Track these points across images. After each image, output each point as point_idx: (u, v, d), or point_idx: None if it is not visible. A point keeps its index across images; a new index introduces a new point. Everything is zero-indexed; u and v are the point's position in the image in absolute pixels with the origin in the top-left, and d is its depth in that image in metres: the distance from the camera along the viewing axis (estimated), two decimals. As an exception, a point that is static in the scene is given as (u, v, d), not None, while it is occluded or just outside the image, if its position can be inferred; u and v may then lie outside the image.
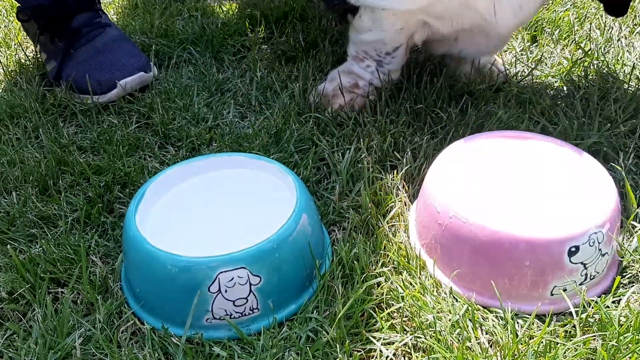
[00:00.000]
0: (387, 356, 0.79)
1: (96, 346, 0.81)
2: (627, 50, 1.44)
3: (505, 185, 0.98)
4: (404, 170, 1.08)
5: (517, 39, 1.55)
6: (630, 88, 1.29)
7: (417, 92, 1.29)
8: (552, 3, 1.68)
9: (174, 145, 1.24)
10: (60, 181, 1.13)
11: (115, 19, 1.78)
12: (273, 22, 1.68)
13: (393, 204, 1.04)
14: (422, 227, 0.97)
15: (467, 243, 0.87)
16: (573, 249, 0.83)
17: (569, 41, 1.52)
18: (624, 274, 0.90)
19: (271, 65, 1.50)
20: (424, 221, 0.96)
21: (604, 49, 1.46)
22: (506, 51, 1.49)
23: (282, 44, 1.58)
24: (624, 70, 1.36)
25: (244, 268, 0.81)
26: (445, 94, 1.28)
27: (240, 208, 0.95)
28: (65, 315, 0.83)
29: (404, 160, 1.11)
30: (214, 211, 0.95)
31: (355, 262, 0.89)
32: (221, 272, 0.81)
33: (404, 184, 1.08)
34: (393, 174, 1.10)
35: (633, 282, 0.89)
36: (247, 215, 0.94)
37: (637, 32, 1.54)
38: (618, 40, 1.49)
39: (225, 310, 0.83)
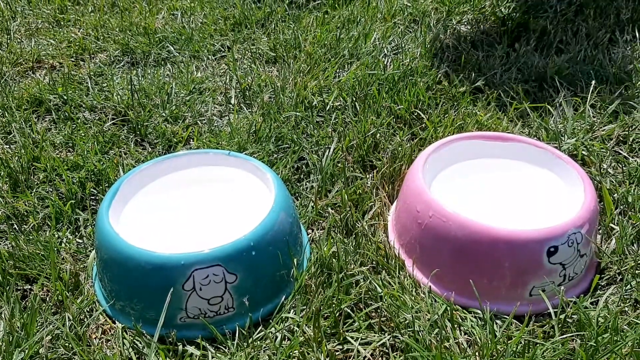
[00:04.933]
0: (365, 356, 0.78)
1: (65, 345, 0.78)
2: (607, 57, 1.45)
3: (485, 186, 0.98)
4: (383, 170, 1.07)
5: (497, 43, 1.56)
6: (608, 93, 1.30)
7: (398, 93, 1.29)
8: (531, 10, 1.70)
9: (151, 143, 1.22)
10: (32, 177, 1.10)
11: (92, 16, 1.75)
12: (254, 23, 1.67)
13: (372, 203, 1.02)
14: (401, 226, 0.96)
15: (447, 242, 0.86)
16: (552, 249, 0.82)
17: (547, 46, 1.53)
18: (602, 275, 0.90)
19: (251, 65, 1.48)
20: (403, 221, 0.95)
21: (583, 55, 1.47)
22: (488, 55, 1.50)
23: (263, 44, 1.57)
24: (602, 77, 1.37)
25: (220, 265, 0.79)
26: (426, 95, 1.28)
27: (217, 205, 0.94)
28: (33, 312, 0.80)
29: (384, 160, 1.10)
30: (190, 208, 0.93)
31: (333, 260, 0.88)
32: (196, 270, 0.78)
33: (384, 184, 1.07)
34: (373, 174, 1.09)
35: (611, 284, 0.89)
36: (224, 213, 0.92)
37: (615, 39, 1.56)
38: (596, 47, 1.51)
39: (200, 309, 0.81)
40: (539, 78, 1.38)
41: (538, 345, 0.76)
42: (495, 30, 1.63)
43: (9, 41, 1.63)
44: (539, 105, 1.28)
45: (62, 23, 1.75)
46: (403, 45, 1.51)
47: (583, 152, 1.12)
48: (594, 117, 1.24)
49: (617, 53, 1.47)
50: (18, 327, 0.80)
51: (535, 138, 1.17)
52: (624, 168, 1.09)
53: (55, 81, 1.41)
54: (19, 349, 0.77)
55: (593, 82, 1.31)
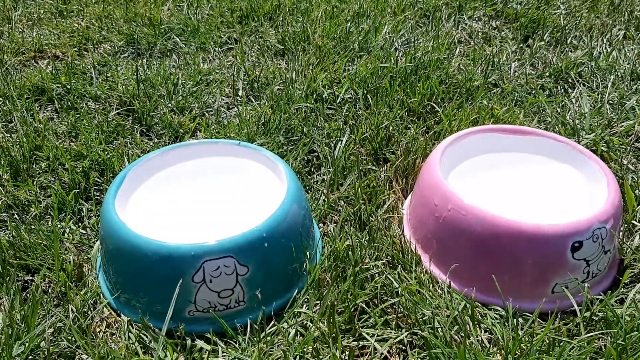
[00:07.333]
0: (382, 353, 0.75)
1: (68, 338, 0.75)
2: (623, 53, 1.42)
3: (503, 180, 0.94)
4: (397, 163, 1.04)
5: (510, 38, 1.53)
6: (625, 90, 1.27)
7: (410, 86, 1.25)
8: (545, 5, 1.67)
9: (157, 133, 1.18)
10: (33, 166, 1.06)
11: (96, 7, 1.72)
12: (262, 15, 1.64)
13: (386, 197, 0.99)
14: (417, 221, 0.92)
15: (466, 237, 0.83)
16: (576, 245, 0.79)
17: (561, 42, 1.50)
18: (627, 272, 0.86)
19: (259, 57, 1.45)
20: (420, 215, 0.91)
21: (597, 51, 1.44)
22: (501, 50, 1.47)
23: (271, 36, 1.54)
24: (618, 73, 1.35)
25: (231, 257, 0.76)
26: (439, 88, 1.25)
27: (227, 196, 0.90)
28: (34, 304, 0.77)
29: (398, 153, 1.06)
30: (199, 198, 0.90)
31: (349, 253, 0.84)
32: (206, 261, 0.75)
33: (398, 177, 1.03)
34: (386, 167, 1.05)
35: (635, 281, 0.85)
36: (234, 203, 0.89)
37: (630, 36, 1.53)
38: (610, 44, 1.48)
39: (210, 302, 0.77)
40: (553, 73, 1.35)
41: (564, 343, 0.72)
42: (507, 26, 1.60)
43: (10, 30, 1.59)
44: (554, 100, 1.25)
45: (64, 13, 1.72)
46: (414, 39, 1.48)
47: (602, 148, 1.09)
48: (611, 113, 1.20)
49: (632, 50, 1.44)
50: (18, 319, 0.77)
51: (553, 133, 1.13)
52: (645, 164, 1.06)
53: (58, 70, 1.37)
54: (19, 342, 0.74)
55: (612, 77, 1.28)
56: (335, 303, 0.78)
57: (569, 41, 1.50)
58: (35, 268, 0.87)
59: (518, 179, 0.94)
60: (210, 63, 1.43)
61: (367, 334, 0.76)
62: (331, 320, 0.75)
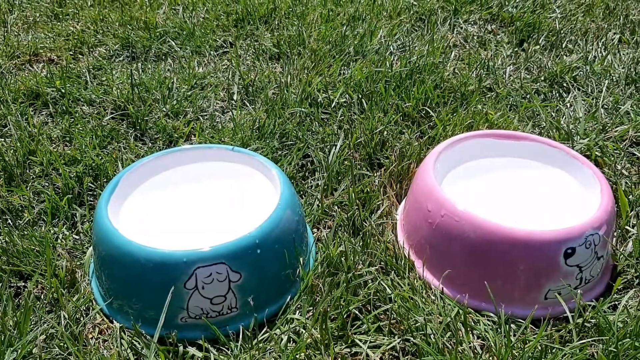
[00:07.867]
0: (374, 360, 0.75)
1: (60, 344, 0.75)
2: (618, 57, 1.42)
3: (497, 185, 0.94)
4: (391, 168, 1.04)
5: (505, 42, 1.53)
6: (619, 94, 1.28)
7: (405, 90, 1.25)
8: (541, 9, 1.67)
9: (151, 138, 1.18)
10: (27, 171, 1.06)
11: (92, 10, 1.72)
12: (257, 18, 1.64)
13: (380, 202, 0.99)
14: (410, 226, 0.92)
15: (459, 243, 0.83)
16: (569, 251, 0.79)
17: (556, 46, 1.50)
18: (618, 278, 0.87)
19: (254, 61, 1.45)
20: (413, 220, 0.91)
21: (593, 55, 1.44)
22: (496, 54, 1.47)
23: (267, 40, 1.54)
24: (613, 78, 1.35)
25: (224, 263, 0.76)
26: (434, 93, 1.25)
27: (220, 201, 0.90)
28: (27, 310, 0.77)
29: (392, 158, 1.06)
30: (192, 204, 0.90)
31: (342, 260, 0.84)
32: (198, 267, 0.75)
33: (392, 182, 1.03)
34: (380, 172, 1.05)
35: (628, 288, 0.86)
36: (227, 209, 0.89)
37: (625, 40, 1.53)
38: (605, 48, 1.48)
39: (202, 309, 0.77)
40: (548, 78, 1.35)
41: (556, 350, 0.72)
42: (503, 30, 1.60)
43: (5, 34, 1.59)
44: (549, 105, 1.25)
45: (60, 16, 1.71)
46: (409, 43, 1.48)
47: (596, 153, 1.09)
48: (605, 118, 1.21)
49: (627, 54, 1.45)
50: (10, 325, 0.77)
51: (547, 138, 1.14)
52: (639, 169, 1.06)
53: (53, 74, 1.37)
54: (12, 349, 0.73)
55: (606, 81, 1.28)
56: (328, 309, 0.78)
57: (564, 45, 1.50)
58: (28, 274, 0.87)
59: (512, 184, 0.94)
60: (205, 67, 1.43)
61: (360, 340, 0.76)
62: (324, 327, 0.75)
